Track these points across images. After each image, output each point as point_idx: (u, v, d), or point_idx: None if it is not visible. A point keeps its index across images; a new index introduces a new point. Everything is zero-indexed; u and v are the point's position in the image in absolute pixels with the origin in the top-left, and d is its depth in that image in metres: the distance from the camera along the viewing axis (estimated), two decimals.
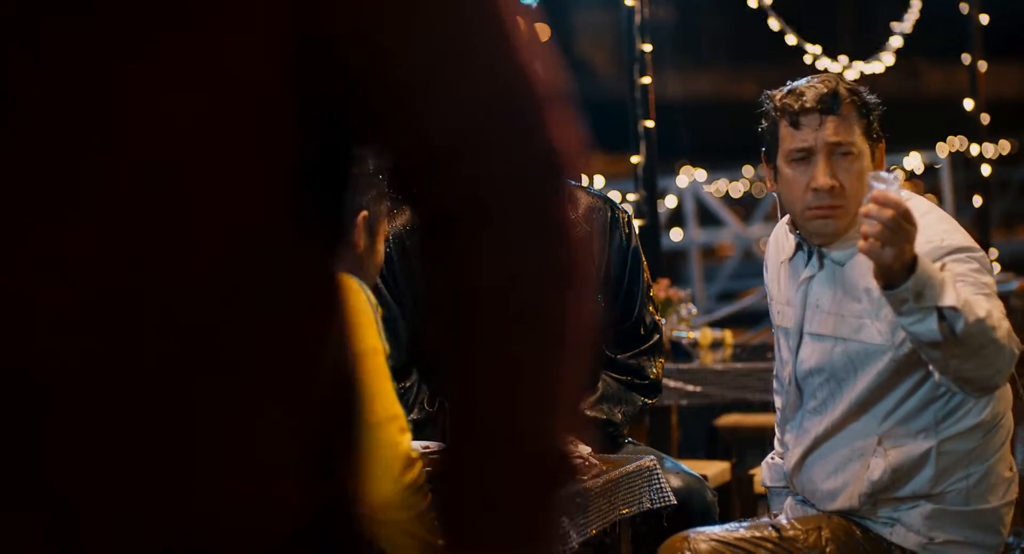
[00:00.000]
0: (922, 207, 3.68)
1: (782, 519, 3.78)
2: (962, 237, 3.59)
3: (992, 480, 3.67)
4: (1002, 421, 3.70)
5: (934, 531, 3.64)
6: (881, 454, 3.67)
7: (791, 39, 7.03)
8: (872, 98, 3.79)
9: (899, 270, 3.24)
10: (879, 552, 3.68)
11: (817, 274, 3.78)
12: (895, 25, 8.11)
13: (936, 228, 3.60)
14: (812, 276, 3.78)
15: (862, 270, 3.67)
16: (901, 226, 3.21)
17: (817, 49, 7.14)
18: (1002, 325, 3.35)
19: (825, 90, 3.77)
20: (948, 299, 3.26)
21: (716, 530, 3.72)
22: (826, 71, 3.92)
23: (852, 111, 3.76)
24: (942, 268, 3.44)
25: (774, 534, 3.71)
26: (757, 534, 3.71)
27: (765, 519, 3.81)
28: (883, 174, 3.28)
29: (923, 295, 3.26)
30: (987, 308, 3.33)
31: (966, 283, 3.46)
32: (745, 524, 3.77)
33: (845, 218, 3.74)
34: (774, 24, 6.91)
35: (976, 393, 3.51)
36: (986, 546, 3.67)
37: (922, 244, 3.45)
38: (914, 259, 3.24)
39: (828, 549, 3.68)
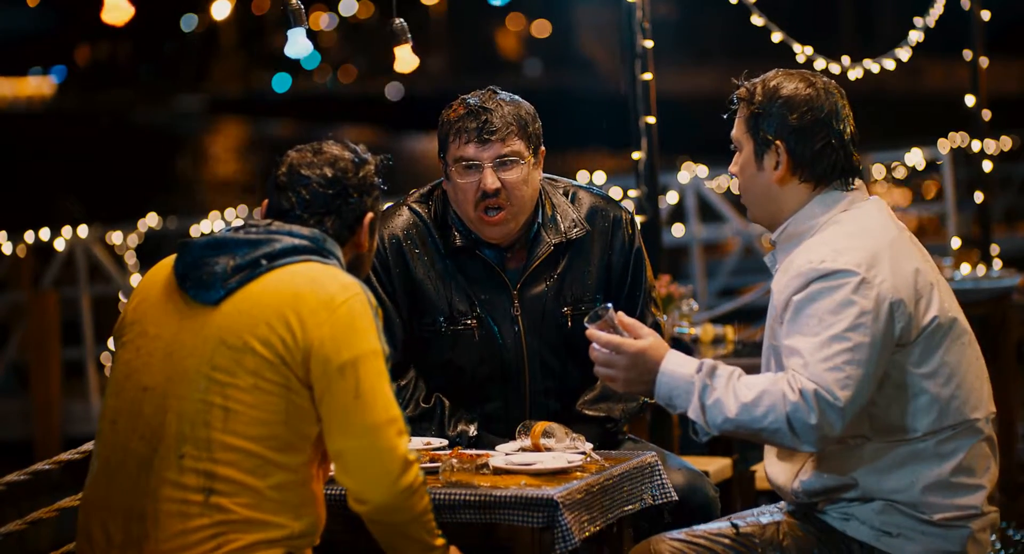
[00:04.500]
0: (848, 225, 3.71)
1: (744, 518, 3.81)
2: (849, 258, 3.59)
3: (947, 485, 3.65)
4: (957, 432, 3.66)
5: (887, 526, 3.65)
6: (813, 457, 3.70)
7: (777, 36, 6.99)
8: (775, 101, 3.75)
9: (643, 389, 3.63)
10: (836, 545, 3.70)
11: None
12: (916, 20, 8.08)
13: (829, 247, 3.64)
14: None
15: (778, 279, 3.71)
16: (608, 362, 3.63)
17: (808, 49, 7.10)
18: (783, 403, 3.47)
19: (743, 85, 3.83)
20: (689, 410, 3.57)
21: (678, 532, 3.77)
22: (801, 66, 3.92)
23: (744, 110, 3.82)
24: (803, 292, 3.58)
25: (731, 530, 3.75)
26: (715, 531, 3.75)
27: (728, 518, 3.85)
28: (599, 311, 3.66)
29: (673, 404, 3.60)
30: (754, 396, 3.50)
31: (794, 327, 3.57)
32: (707, 524, 3.81)
33: (748, 208, 3.88)
34: (758, 21, 6.87)
35: None
36: (948, 538, 3.66)
37: (802, 264, 3.63)
38: (654, 374, 3.59)
39: (785, 543, 3.71)
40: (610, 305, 3.69)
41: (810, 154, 3.73)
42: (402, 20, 5.71)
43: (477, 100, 4.37)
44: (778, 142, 3.74)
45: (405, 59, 5.83)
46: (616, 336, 3.64)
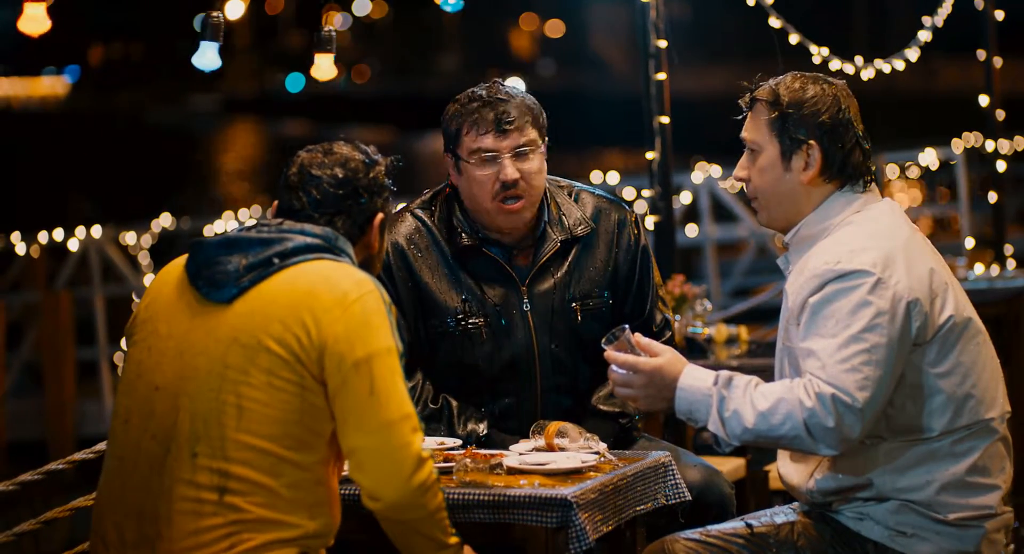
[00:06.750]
0: (861, 226, 3.70)
1: (758, 518, 3.81)
2: (865, 259, 3.60)
3: (962, 485, 3.65)
4: (972, 431, 3.66)
5: (902, 526, 3.65)
6: (827, 457, 3.69)
7: (794, 38, 6.97)
8: (805, 102, 3.75)
9: (664, 406, 3.64)
10: (850, 545, 3.70)
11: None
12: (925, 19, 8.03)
13: (845, 247, 3.64)
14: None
15: (793, 280, 3.71)
16: (626, 382, 3.65)
17: (824, 50, 7.08)
18: (800, 409, 3.48)
19: (760, 87, 3.82)
20: (709, 423, 3.58)
21: (692, 532, 3.77)
22: (819, 68, 3.92)
23: (763, 111, 3.81)
24: (819, 293, 3.58)
25: (746, 530, 3.75)
26: (729, 531, 3.75)
27: (742, 518, 3.85)
28: (616, 331, 3.69)
29: (693, 418, 3.61)
30: (770, 405, 3.52)
31: (811, 329, 3.57)
32: (721, 524, 3.82)
33: (763, 211, 3.87)
34: (775, 22, 6.85)
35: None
36: (962, 538, 3.65)
37: (817, 265, 3.63)
38: (673, 390, 3.61)
39: (800, 543, 3.72)
40: (626, 326, 3.72)
41: (841, 154, 3.74)
42: (331, 29, 5.73)
43: (486, 92, 4.37)
44: (812, 142, 3.73)
45: (323, 67, 5.87)
46: (632, 356, 3.67)
